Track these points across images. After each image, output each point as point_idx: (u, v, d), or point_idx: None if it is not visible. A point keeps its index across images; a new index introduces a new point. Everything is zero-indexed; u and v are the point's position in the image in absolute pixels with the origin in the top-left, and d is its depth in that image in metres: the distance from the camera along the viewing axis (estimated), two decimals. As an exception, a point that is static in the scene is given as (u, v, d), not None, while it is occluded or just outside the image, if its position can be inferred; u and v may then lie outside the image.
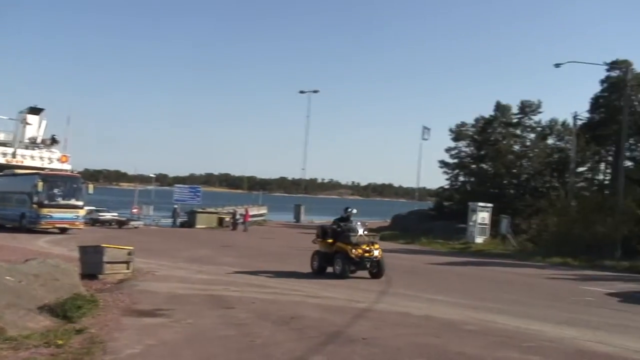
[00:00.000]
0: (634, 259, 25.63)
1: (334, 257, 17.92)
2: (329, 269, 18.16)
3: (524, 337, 9.97)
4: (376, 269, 17.69)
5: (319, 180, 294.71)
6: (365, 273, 17.65)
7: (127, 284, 14.64)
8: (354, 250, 17.40)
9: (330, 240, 18.31)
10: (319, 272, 18.36)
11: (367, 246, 17.64)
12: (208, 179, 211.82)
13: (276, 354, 8.22)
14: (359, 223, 19.40)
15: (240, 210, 48.86)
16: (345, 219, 18.96)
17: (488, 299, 14.99)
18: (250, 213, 49.15)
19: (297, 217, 63.09)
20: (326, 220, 68.49)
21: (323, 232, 18.92)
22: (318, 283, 16.41)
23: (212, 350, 8.38)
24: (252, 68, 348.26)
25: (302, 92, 66.96)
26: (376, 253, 17.62)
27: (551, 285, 19.33)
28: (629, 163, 37.90)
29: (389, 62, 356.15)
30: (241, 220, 46.17)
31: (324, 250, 18.54)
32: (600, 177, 51.57)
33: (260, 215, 58.39)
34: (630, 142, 39.43)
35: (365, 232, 18.65)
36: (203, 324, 10.19)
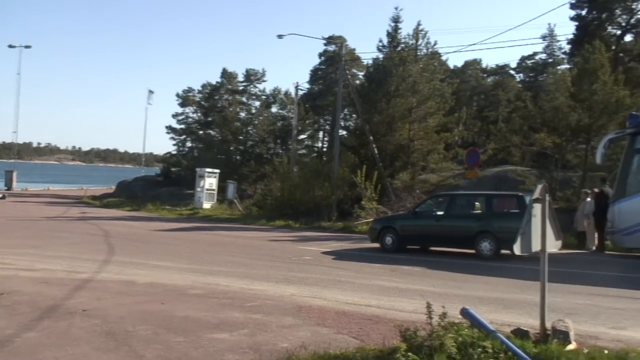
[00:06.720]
0: (346, 220, 27.92)
1: None
2: None
3: (247, 297, 10.26)
4: None
5: (35, 145, 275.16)
6: (86, 241, 16.72)
7: None
8: None
9: None
10: None
11: None
12: None
13: (-19, 335, 7.40)
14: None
15: None
16: None
17: (214, 262, 15.21)
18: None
19: (9, 185, 58.17)
20: (45, 187, 63.95)
21: None
22: (33, 255, 15.24)
23: None
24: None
25: (11, 46, 61.31)
26: None
27: (273, 247, 20.11)
28: (343, 132, 41.05)
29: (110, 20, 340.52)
30: None
31: None
32: (319, 144, 55.68)
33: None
34: (345, 112, 42.82)
35: None
36: None
